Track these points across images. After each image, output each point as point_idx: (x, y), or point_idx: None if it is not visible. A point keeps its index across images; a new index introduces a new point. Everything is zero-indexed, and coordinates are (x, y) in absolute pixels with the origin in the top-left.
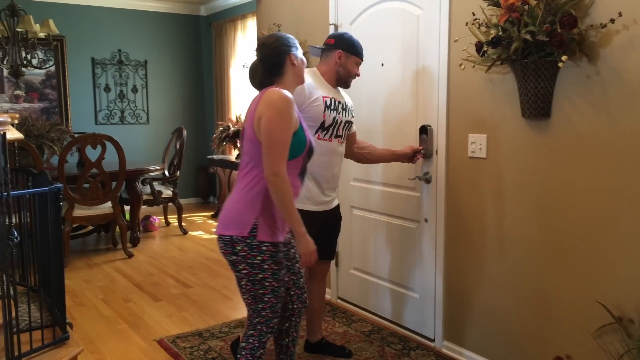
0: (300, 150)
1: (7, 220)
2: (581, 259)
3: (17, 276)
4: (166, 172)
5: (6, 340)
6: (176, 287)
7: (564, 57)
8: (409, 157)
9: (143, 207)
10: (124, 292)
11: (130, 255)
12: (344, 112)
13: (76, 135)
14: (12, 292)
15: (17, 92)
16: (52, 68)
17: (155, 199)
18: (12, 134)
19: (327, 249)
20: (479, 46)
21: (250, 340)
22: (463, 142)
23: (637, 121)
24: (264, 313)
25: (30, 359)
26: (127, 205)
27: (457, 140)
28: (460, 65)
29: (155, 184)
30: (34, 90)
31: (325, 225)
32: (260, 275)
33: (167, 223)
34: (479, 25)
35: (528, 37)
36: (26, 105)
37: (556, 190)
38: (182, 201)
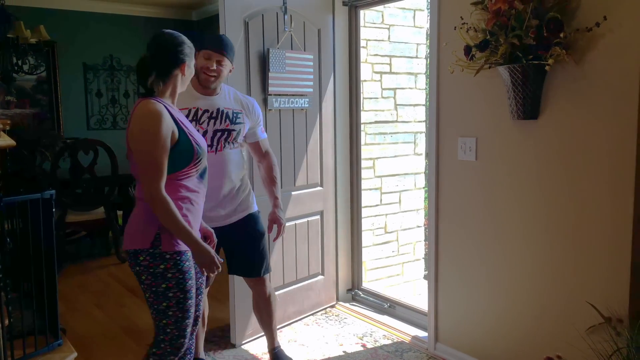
0: (188, 159)
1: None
2: (571, 259)
3: (11, 282)
4: None
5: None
6: None
7: (550, 61)
8: (270, 221)
9: None
10: (118, 297)
11: (123, 260)
12: (213, 120)
13: (68, 140)
14: (5, 299)
15: (9, 97)
16: (44, 74)
17: None
18: (4, 140)
19: (243, 266)
20: (467, 50)
21: (151, 359)
22: (453, 145)
23: (623, 122)
24: (168, 330)
25: None
26: (120, 210)
27: (447, 143)
28: (449, 68)
29: None
30: (25, 96)
31: (228, 243)
32: (164, 285)
33: None
34: (468, 29)
35: (515, 41)
36: (18, 111)
37: (545, 192)
38: None
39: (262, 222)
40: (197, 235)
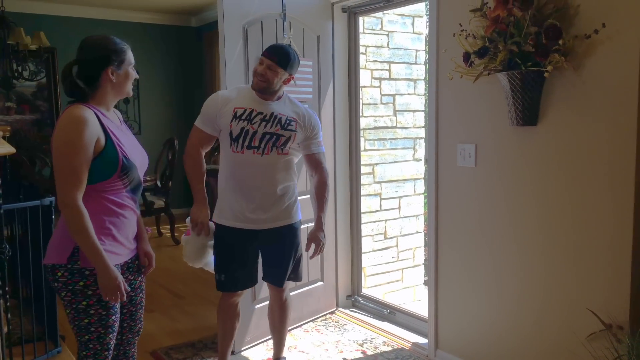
0: (112, 170)
1: None
2: (571, 266)
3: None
4: (158, 183)
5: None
6: (169, 298)
7: (549, 68)
8: (309, 240)
9: None
10: None
11: None
12: (265, 123)
13: None
14: (4, 305)
15: (8, 104)
16: (44, 80)
17: (148, 210)
18: (4, 147)
19: (273, 274)
20: (466, 56)
21: None
22: (452, 151)
23: (622, 129)
24: (91, 345)
25: None
26: None
27: (446, 150)
28: (448, 75)
29: (147, 194)
30: (25, 102)
31: (262, 247)
32: (84, 303)
33: (160, 233)
34: (467, 36)
35: (514, 48)
36: (17, 117)
37: (544, 198)
38: (175, 211)
39: (301, 234)
40: (123, 253)
